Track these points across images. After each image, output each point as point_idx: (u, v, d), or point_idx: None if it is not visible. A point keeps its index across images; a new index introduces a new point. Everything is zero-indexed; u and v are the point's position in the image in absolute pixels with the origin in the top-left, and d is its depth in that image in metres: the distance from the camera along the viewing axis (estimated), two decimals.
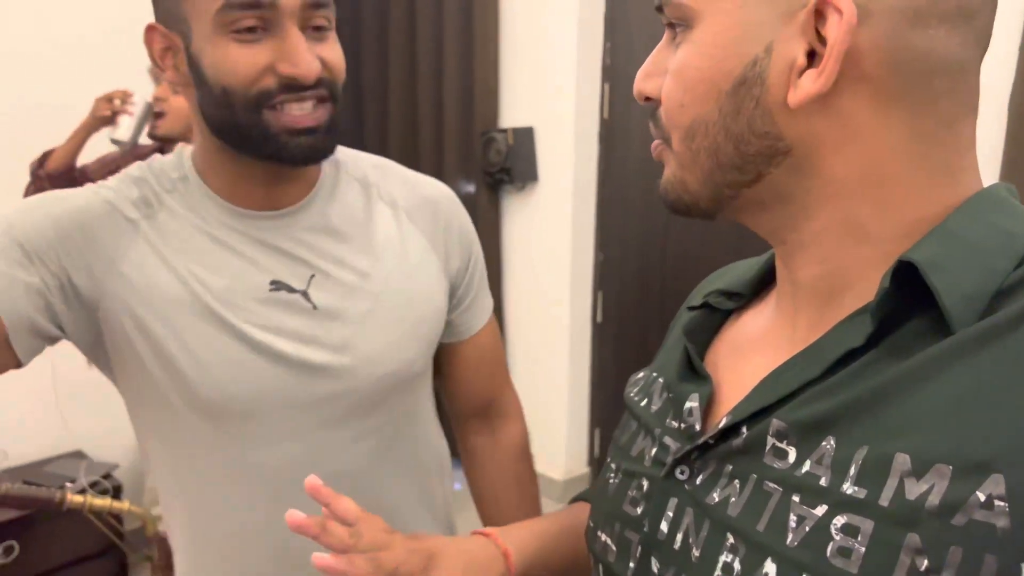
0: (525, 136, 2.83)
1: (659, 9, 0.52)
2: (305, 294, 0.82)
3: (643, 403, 0.64)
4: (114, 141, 2.15)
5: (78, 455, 2.64)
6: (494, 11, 2.84)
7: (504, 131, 2.82)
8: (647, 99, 0.53)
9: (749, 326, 0.59)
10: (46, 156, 2.19)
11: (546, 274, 2.91)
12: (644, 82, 0.53)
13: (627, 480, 0.60)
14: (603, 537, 0.61)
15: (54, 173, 2.16)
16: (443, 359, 0.99)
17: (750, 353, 0.56)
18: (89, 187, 0.83)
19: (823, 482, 0.43)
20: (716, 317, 0.63)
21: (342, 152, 0.90)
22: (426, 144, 3.10)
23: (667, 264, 2.77)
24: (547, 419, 2.94)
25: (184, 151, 0.86)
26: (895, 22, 0.43)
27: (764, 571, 0.44)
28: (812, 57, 0.44)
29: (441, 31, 2.97)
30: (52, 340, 0.79)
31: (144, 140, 2.19)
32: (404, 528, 0.93)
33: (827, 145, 0.46)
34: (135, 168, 0.85)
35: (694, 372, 0.59)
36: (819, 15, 0.43)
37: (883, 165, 0.46)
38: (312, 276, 0.83)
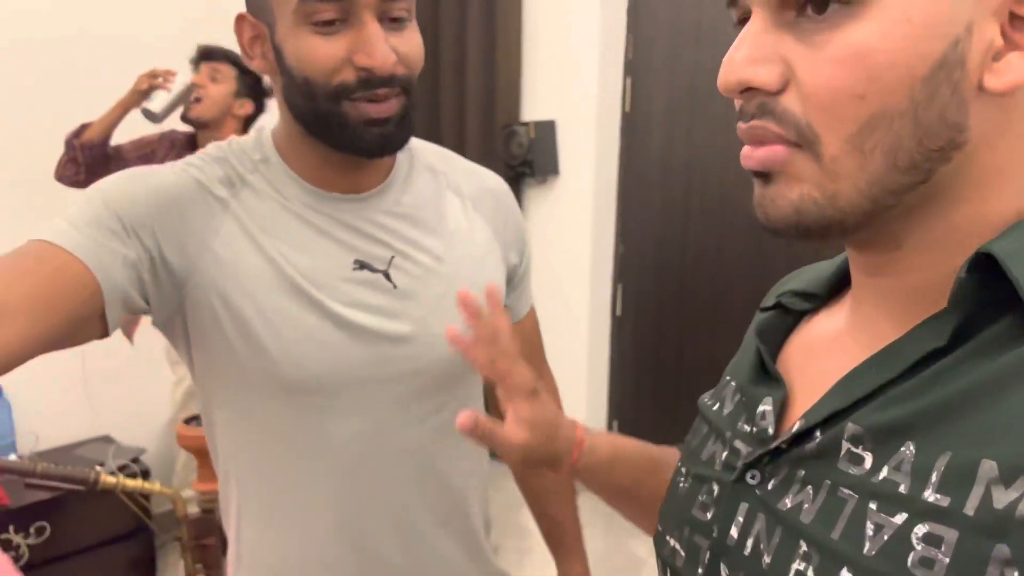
0: (547, 129, 2.85)
1: None
2: (386, 274, 0.85)
3: (715, 407, 0.62)
4: (145, 110, 2.20)
5: (106, 440, 2.70)
6: (517, 5, 2.85)
7: (526, 124, 2.84)
8: (748, 89, 0.45)
9: (823, 328, 0.57)
10: (83, 128, 2.24)
11: (566, 267, 2.93)
12: (751, 69, 0.44)
13: (697, 484, 0.58)
14: (672, 542, 0.60)
15: (88, 144, 2.21)
16: None
17: (824, 355, 0.54)
18: (176, 164, 0.84)
19: (902, 489, 0.41)
20: (789, 318, 0.61)
21: (415, 142, 0.93)
22: (448, 137, 3.13)
23: (687, 257, 2.79)
24: (565, 411, 2.96)
25: (263, 133, 0.89)
26: None
27: None
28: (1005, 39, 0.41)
29: (464, 25, 2.99)
30: (135, 313, 0.80)
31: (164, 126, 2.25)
32: (458, 510, 0.97)
33: (991, 137, 0.43)
34: (214, 148, 0.87)
35: (767, 375, 0.57)
36: None
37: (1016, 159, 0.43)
38: (392, 257, 0.86)
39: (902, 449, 0.42)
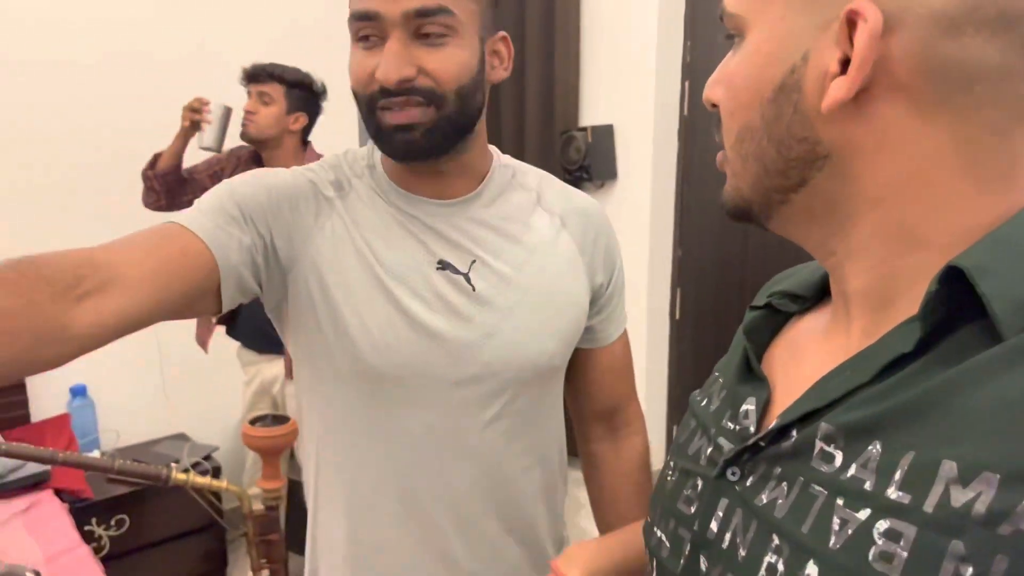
0: (604, 134, 2.86)
1: (721, 19, 0.54)
2: (467, 277, 0.90)
3: (703, 403, 0.65)
4: (203, 148, 2.31)
5: (182, 437, 2.83)
6: (575, 10, 2.87)
7: (584, 130, 2.86)
8: (713, 106, 0.55)
9: (808, 330, 0.59)
10: (156, 158, 2.36)
11: (624, 271, 2.92)
12: (710, 89, 0.55)
13: (683, 479, 0.61)
14: (658, 533, 0.62)
15: (161, 173, 2.33)
16: (576, 363, 1.04)
17: (806, 357, 0.57)
18: (295, 168, 0.94)
19: (867, 486, 0.43)
20: (778, 318, 0.64)
21: (515, 162, 1.01)
22: (507, 142, 3.17)
23: (747, 261, 2.76)
24: None
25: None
26: (927, 30, 0.43)
27: (807, 572, 0.44)
28: (847, 65, 0.45)
29: (523, 31, 3.02)
30: (248, 295, 0.88)
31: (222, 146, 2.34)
32: (523, 518, 0.99)
33: (865, 150, 0.47)
34: (331, 156, 0.97)
35: (752, 374, 0.59)
36: (851, 24, 0.44)
37: (926, 172, 0.46)
38: (473, 261, 0.91)
39: (869, 448, 0.44)
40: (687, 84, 2.79)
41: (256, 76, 2.28)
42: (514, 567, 0.99)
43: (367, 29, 0.82)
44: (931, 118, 0.45)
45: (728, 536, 0.53)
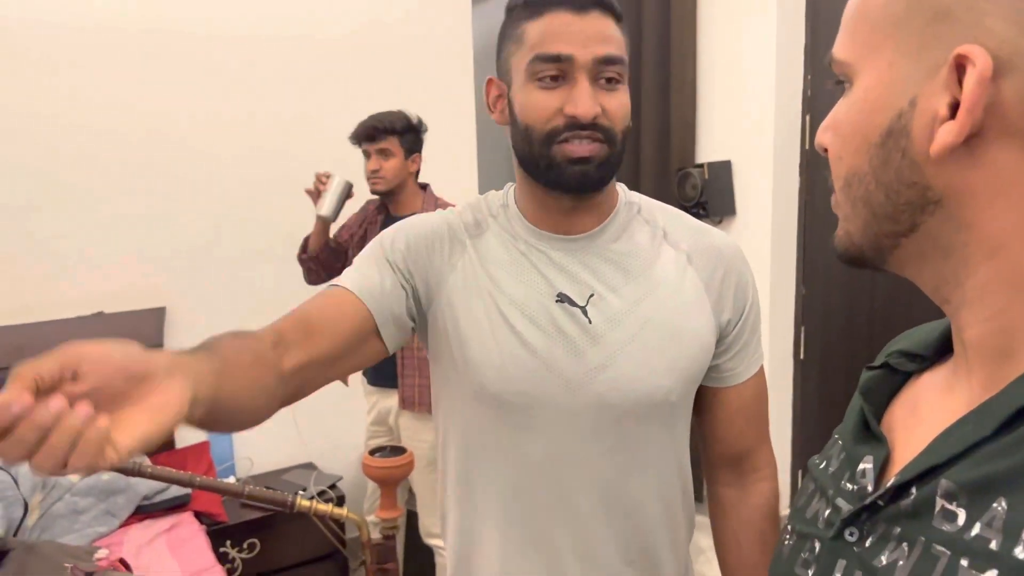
0: (722, 170, 2.83)
1: (830, 65, 0.54)
2: (584, 310, 0.94)
3: (821, 465, 0.63)
4: (319, 217, 2.48)
5: (309, 467, 2.96)
6: (692, 46, 2.87)
7: (700, 166, 2.84)
8: (825, 150, 0.55)
9: (927, 388, 0.58)
10: (305, 241, 2.55)
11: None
12: (822, 134, 0.55)
13: (800, 542, 0.60)
14: None
15: (314, 254, 2.52)
16: (704, 401, 1.03)
17: (926, 415, 0.55)
18: (442, 211, 1.04)
19: (993, 546, 0.41)
20: (896, 379, 0.62)
21: (643, 199, 1.03)
22: (624, 179, 3.18)
23: (876, 299, 2.63)
24: None
25: (511, 185, 1.05)
26: None
27: None
28: (957, 110, 0.44)
29: (639, 66, 3.04)
30: (407, 333, 0.99)
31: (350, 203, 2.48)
32: (644, 551, 0.99)
33: (980, 196, 0.46)
34: (473, 198, 1.06)
35: (871, 434, 0.58)
36: (960, 68, 0.44)
37: None
38: (591, 295, 0.94)
39: (994, 505, 0.42)
40: (807, 118, 2.72)
41: (372, 136, 2.40)
42: None
43: (554, 70, 0.89)
44: None
45: None
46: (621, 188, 1.02)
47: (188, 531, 2.20)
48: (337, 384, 2.62)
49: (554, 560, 0.97)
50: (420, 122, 2.47)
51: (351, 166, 2.50)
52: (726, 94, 2.84)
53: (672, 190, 2.96)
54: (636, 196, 1.03)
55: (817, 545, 0.57)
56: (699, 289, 0.96)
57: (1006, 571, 0.40)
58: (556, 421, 0.94)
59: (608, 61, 0.88)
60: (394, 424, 2.55)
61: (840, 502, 0.56)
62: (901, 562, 0.47)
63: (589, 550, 0.97)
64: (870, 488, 0.53)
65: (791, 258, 2.83)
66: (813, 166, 2.75)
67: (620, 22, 0.91)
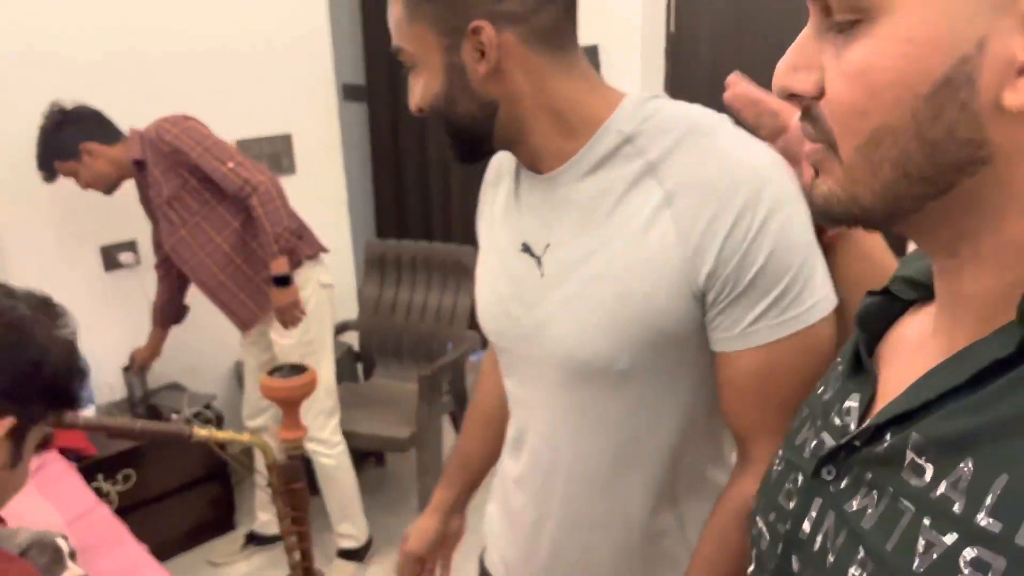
0: (590, 55, 2.78)
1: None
2: (540, 261, 0.88)
3: (819, 390, 0.61)
4: None
5: (177, 387, 2.79)
6: None
7: None
8: (792, 95, 0.47)
9: (922, 324, 0.55)
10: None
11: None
12: (792, 77, 0.46)
13: (787, 471, 0.58)
14: (760, 524, 0.60)
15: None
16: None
17: (910, 355, 0.53)
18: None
19: (956, 508, 0.40)
20: (896, 306, 0.58)
21: (653, 120, 0.81)
22: None
23: None
24: None
25: None
26: None
27: None
28: None
29: None
30: None
31: None
32: (592, 535, 0.94)
33: None
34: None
35: (861, 367, 0.56)
36: None
37: None
38: (547, 245, 0.87)
39: (961, 466, 0.41)
40: (672, 1, 2.71)
41: (49, 170, 2.29)
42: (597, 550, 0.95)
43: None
44: None
45: (819, 539, 0.51)
46: (622, 110, 0.82)
47: (56, 470, 2.02)
48: (196, 299, 2.48)
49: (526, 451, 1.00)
50: (62, 113, 2.22)
51: None
52: None
53: None
54: (641, 117, 0.81)
55: (799, 478, 0.56)
56: (670, 242, 0.77)
57: (965, 537, 0.39)
58: (514, 367, 0.97)
59: (397, 52, 0.86)
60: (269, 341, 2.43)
61: (825, 436, 0.55)
62: (870, 510, 0.46)
63: (564, 501, 0.94)
64: (852, 427, 0.52)
65: None
66: (677, 49, 2.76)
67: (413, 3, 0.80)
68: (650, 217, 0.79)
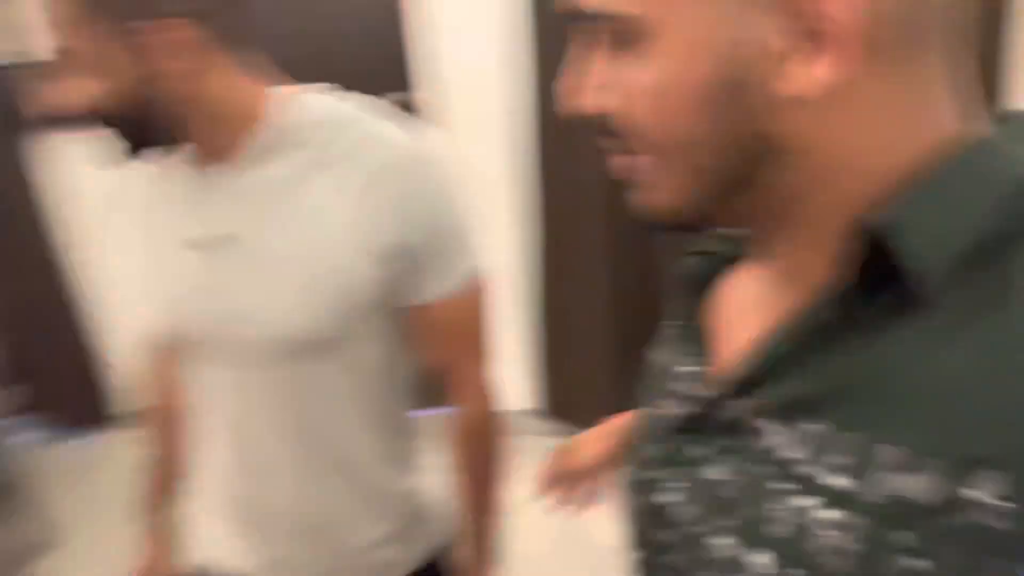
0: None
1: (574, 19, 0.45)
2: (222, 252, 0.90)
3: (654, 354, 0.62)
4: None
5: None
6: None
7: None
8: (590, 115, 0.48)
9: (748, 285, 0.55)
10: None
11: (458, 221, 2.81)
12: (599, 97, 0.46)
13: (641, 443, 0.59)
14: (625, 495, 0.61)
15: None
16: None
17: (746, 317, 0.53)
18: None
19: (805, 469, 0.41)
20: (717, 264, 0.59)
21: (316, 113, 0.91)
22: None
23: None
24: None
25: None
26: None
27: (750, 559, 0.43)
28: (811, 43, 0.39)
29: None
30: None
31: None
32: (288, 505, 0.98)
33: (832, 131, 0.41)
34: None
35: (694, 330, 0.56)
36: None
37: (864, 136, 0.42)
38: (228, 235, 0.90)
39: (807, 427, 0.42)
40: None
41: None
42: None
43: None
44: (883, 77, 0.41)
45: (678, 510, 0.51)
46: (280, 105, 0.89)
47: None
48: None
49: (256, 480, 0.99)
50: None
51: None
52: None
53: None
54: (299, 111, 0.90)
55: (653, 448, 0.56)
56: (348, 221, 0.87)
57: (818, 496, 0.40)
58: (228, 356, 0.93)
59: (56, 53, 0.84)
60: None
61: (673, 403, 0.55)
62: (725, 477, 0.47)
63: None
64: (697, 394, 0.52)
65: None
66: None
67: (79, 3, 0.79)
68: (323, 198, 0.87)
